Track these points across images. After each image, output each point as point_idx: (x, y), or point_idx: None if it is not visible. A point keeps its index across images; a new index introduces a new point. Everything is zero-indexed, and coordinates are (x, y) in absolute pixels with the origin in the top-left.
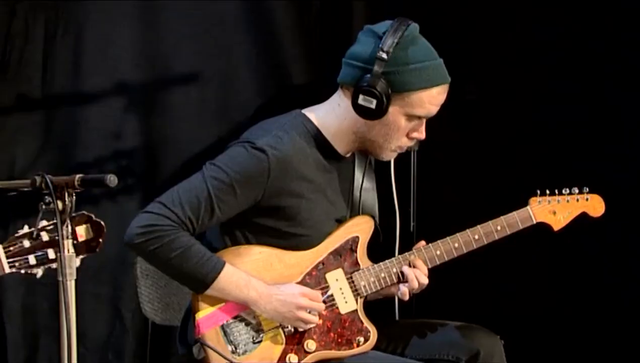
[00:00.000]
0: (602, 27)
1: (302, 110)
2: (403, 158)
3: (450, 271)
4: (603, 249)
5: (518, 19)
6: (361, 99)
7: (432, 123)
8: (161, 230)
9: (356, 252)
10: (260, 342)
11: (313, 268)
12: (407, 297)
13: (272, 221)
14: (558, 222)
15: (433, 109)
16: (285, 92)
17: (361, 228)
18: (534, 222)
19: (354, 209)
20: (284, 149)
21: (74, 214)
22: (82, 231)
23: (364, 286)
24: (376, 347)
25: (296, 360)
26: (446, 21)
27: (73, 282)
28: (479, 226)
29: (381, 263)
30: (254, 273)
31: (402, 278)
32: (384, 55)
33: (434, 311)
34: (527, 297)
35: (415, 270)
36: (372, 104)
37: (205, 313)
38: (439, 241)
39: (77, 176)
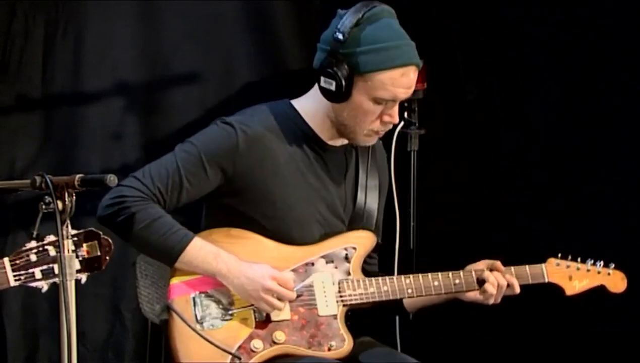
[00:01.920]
0: (602, 27)
1: (289, 99)
2: (403, 158)
3: None
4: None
5: (518, 19)
6: (322, 81)
7: (432, 123)
8: (129, 201)
9: (350, 262)
10: (228, 320)
11: (302, 265)
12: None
13: (248, 204)
14: (572, 287)
15: (399, 92)
16: (285, 91)
17: (361, 241)
18: (546, 281)
19: (349, 203)
20: (253, 126)
21: (81, 231)
22: (88, 248)
23: (350, 295)
24: None
25: (260, 347)
26: (446, 21)
27: (73, 282)
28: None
29: (372, 278)
30: (241, 256)
31: (390, 297)
32: (340, 36)
33: (433, 323)
34: (526, 308)
35: (499, 278)
36: (332, 85)
37: (179, 279)
38: (439, 273)
39: (77, 176)
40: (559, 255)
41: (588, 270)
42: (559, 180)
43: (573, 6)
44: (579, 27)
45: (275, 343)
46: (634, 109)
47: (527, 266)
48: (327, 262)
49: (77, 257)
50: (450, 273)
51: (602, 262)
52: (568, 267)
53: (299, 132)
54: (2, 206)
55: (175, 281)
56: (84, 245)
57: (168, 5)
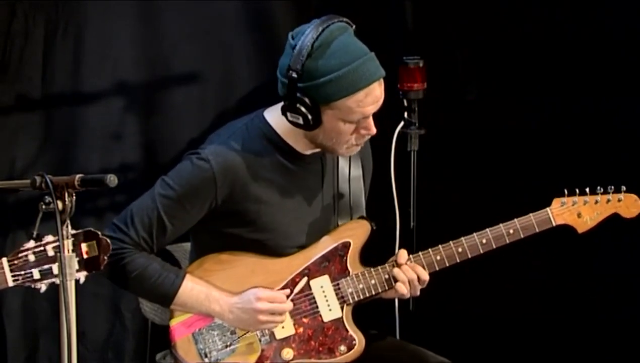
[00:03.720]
0: (602, 27)
1: (264, 110)
2: (403, 158)
3: (452, 271)
4: (604, 250)
5: (518, 19)
6: (289, 116)
7: (432, 123)
8: (116, 254)
9: (346, 258)
10: (234, 349)
11: (297, 274)
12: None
13: (234, 228)
14: (583, 224)
15: (368, 110)
16: None
17: (354, 233)
18: (554, 224)
19: (337, 202)
20: (229, 156)
21: (79, 230)
22: (87, 248)
23: (351, 293)
24: None
25: None
26: (446, 22)
27: (73, 282)
28: (488, 229)
29: (372, 269)
30: (234, 281)
31: (394, 285)
32: (294, 74)
33: (433, 313)
34: (527, 298)
35: (407, 272)
36: (299, 120)
37: (178, 320)
38: (440, 245)
39: (77, 176)
40: (565, 192)
41: (597, 202)
42: (560, 179)
43: (573, 6)
44: (579, 27)
45: (285, 361)
46: (634, 109)
47: (531, 214)
48: (322, 265)
49: (76, 256)
50: (461, 240)
51: (612, 188)
52: (574, 203)
53: (276, 148)
54: (2, 206)
55: (174, 322)
56: (83, 245)
57: (168, 5)
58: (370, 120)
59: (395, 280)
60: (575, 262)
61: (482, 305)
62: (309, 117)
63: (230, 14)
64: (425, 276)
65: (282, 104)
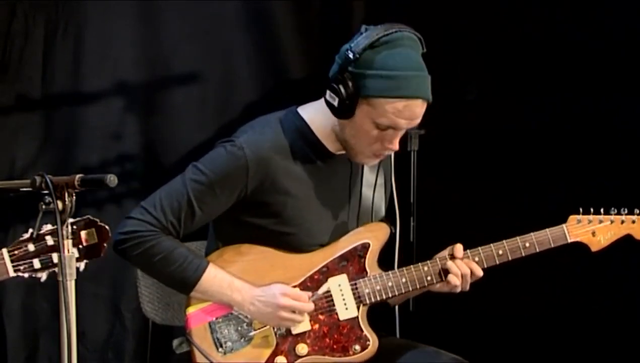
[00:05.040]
0: (603, 27)
1: (297, 107)
2: (403, 158)
3: None
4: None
5: (518, 19)
6: (327, 95)
7: (432, 123)
8: (142, 236)
9: (364, 258)
10: (249, 341)
11: (316, 271)
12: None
13: (259, 219)
14: (597, 243)
15: (401, 122)
16: (285, 92)
17: (374, 234)
18: (568, 241)
19: (359, 206)
20: (264, 146)
21: (79, 218)
22: (86, 235)
23: (368, 294)
24: None
25: None
26: (446, 22)
27: (73, 282)
28: (504, 241)
29: (390, 272)
30: (253, 273)
31: (410, 289)
32: (351, 55)
33: (433, 314)
34: (527, 298)
35: (462, 267)
36: (335, 101)
37: (196, 308)
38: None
39: (77, 176)
40: (581, 210)
41: (611, 222)
42: (559, 180)
43: (573, 6)
44: (579, 27)
45: (299, 356)
46: (634, 109)
47: (547, 229)
48: (341, 264)
49: (74, 245)
50: (478, 250)
51: (625, 210)
52: (590, 222)
53: (308, 145)
54: (3, 206)
55: (191, 310)
56: (82, 232)
57: (168, 5)
58: (398, 136)
59: (413, 287)
60: (576, 264)
61: (482, 306)
62: (346, 102)
63: (230, 14)
64: (479, 272)
65: (316, 101)
